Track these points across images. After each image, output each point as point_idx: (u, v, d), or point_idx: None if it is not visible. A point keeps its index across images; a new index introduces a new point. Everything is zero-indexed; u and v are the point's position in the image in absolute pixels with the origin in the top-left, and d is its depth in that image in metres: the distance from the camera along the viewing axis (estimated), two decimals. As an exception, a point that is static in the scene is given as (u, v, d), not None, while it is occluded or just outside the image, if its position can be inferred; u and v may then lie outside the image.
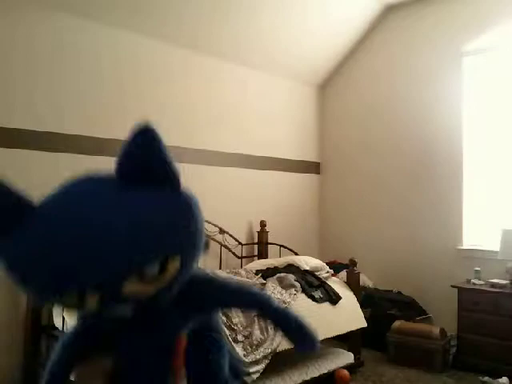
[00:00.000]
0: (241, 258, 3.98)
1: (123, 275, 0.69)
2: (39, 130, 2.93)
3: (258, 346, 2.57)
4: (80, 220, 0.66)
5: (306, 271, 3.30)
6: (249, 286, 0.88)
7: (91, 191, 0.73)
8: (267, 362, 2.57)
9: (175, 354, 0.82)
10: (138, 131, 0.75)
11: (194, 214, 0.78)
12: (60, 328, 2.54)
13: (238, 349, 2.46)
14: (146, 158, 0.72)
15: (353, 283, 3.39)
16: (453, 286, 3.51)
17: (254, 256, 4.13)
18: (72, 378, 0.87)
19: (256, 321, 2.64)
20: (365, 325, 3.30)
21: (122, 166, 0.73)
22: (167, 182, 0.76)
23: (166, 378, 0.85)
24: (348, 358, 3.28)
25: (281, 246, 4.05)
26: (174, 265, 0.72)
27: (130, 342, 0.84)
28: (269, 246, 4.12)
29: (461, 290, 3.47)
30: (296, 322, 0.86)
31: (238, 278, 3.25)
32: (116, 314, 0.71)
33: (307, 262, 3.43)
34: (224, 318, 2.49)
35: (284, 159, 4.52)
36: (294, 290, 3.00)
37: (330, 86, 4.88)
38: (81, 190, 0.74)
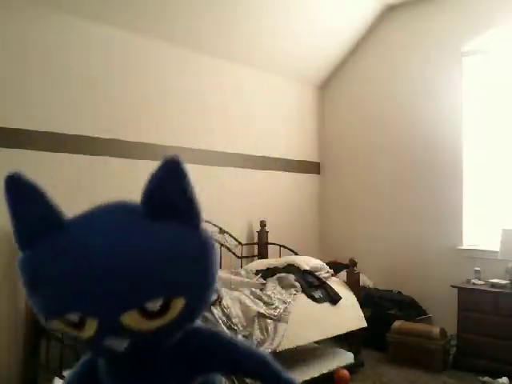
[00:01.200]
0: (241, 258, 3.98)
1: (123, 306, 0.68)
2: (32, 129, 2.92)
3: (258, 346, 2.57)
4: (99, 248, 0.67)
5: (306, 271, 3.30)
6: (257, 349, 0.81)
7: (115, 220, 0.73)
8: (267, 362, 2.57)
9: None
10: (166, 165, 0.73)
11: (210, 257, 0.75)
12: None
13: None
14: (171, 194, 0.71)
15: (353, 283, 3.39)
16: (453, 286, 3.51)
17: (254, 256, 4.13)
18: None
19: (256, 321, 2.64)
20: (365, 325, 3.30)
21: (147, 199, 0.73)
22: (189, 219, 0.74)
23: None
24: (348, 358, 3.28)
25: (281, 246, 4.05)
26: (177, 305, 0.70)
27: None
28: (269, 245, 4.12)
29: (461, 290, 3.47)
30: None
31: (237, 278, 3.26)
32: (110, 346, 0.70)
33: (307, 262, 3.43)
34: (224, 318, 2.49)
35: (284, 159, 4.52)
36: (293, 290, 3.00)
37: (330, 86, 4.88)
38: (106, 219, 0.75)
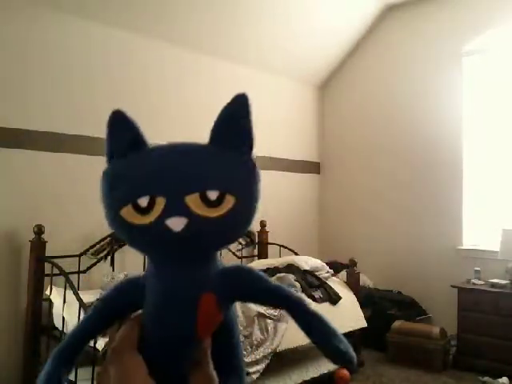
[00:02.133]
0: (241, 258, 3.98)
1: (188, 188, 0.80)
2: (32, 129, 2.92)
3: (258, 346, 2.57)
4: (171, 151, 0.80)
5: (306, 271, 3.30)
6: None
7: (189, 144, 0.87)
8: (267, 362, 2.57)
9: (200, 314, 0.84)
10: (237, 98, 0.86)
11: (257, 180, 0.88)
12: (60, 328, 2.54)
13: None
14: (239, 127, 0.84)
15: (353, 283, 3.39)
16: (453, 286, 3.51)
17: (254, 256, 4.13)
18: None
19: (256, 321, 2.64)
20: (365, 325, 3.30)
21: (216, 130, 0.85)
22: (247, 149, 0.87)
23: (190, 335, 0.86)
24: (348, 357, 3.28)
25: (281, 246, 4.05)
26: (230, 201, 0.82)
27: (161, 282, 0.86)
28: (269, 245, 4.12)
29: (461, 290, 3.47)
30: (332, 336, 0.84)
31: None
32: (170, 225, 0.80)
33: (307, 262, 3.43)
34: (224, 318, 2.49)
35: (284, 159, 4.52)
36: (293, 290, 3.00)
37: (330, 86, 4.89)
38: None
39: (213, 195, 0.81)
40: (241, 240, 3.10)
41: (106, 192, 0.88)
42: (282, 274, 3.18)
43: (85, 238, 3.07)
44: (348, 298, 3.26)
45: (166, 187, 0.84)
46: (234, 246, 3.92)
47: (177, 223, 0.82)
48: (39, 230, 2.69)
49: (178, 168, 0.85)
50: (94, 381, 2.17)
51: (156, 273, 0.87)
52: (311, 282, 3.17)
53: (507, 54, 3.72)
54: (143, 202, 0.79)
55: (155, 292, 0.85)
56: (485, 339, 3.29)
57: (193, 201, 0.82)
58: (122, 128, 0.93)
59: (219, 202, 0.80)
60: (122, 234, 0.84)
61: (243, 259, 3.99)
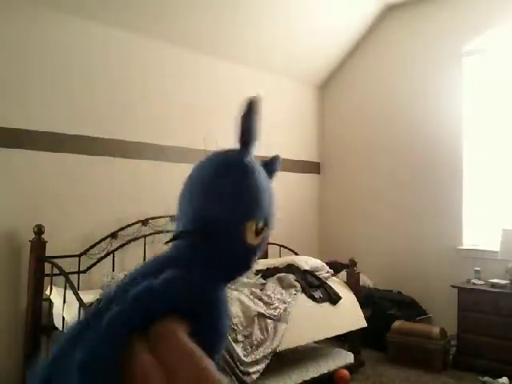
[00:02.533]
0: (241, 258, 3.98)
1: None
2: (32, 129, 2.92)
3: (258, 346, 2.57)
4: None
5: (306, 271, 3.30)
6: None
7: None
8: (267, 362, 2.57)
9: None
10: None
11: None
12: (60, 328, 2.54)
13: (238, 349, 2.46)
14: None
15: (353, 283, 3.39)
16: (453, 286, 3.51)
17: (254, 256, 4.12)
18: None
19: (256, 321, 2.64)
20: (365, 325, 3.30)
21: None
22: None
23: None
24: (348, 358, 3.28)
25: (281, 246, 4.05)
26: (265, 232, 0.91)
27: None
28: (269, 245, 4.12)
29: (461, 290, 3.47)
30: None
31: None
32: (255, 257, 0.88)
33: (307, 262, 3.43)
34: (224, 318, 2.49)
35: (284, 159, 4.46)
36: (294, 290, 3.00)
37: (330, 86, 4.89)
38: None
39: (260, 225, 0.88)
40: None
41: (252, 198, 0.93)
42: (282, 274, 3.18)
43: (85, 238, 3.07)
44: (348, 298, 3.26)
45: (272, 219, 0.93)
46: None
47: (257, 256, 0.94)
48: (39, 230, 2.69)
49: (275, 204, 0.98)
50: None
51: (220, 289, 0.89)
52: (311, 281, 3.17)
53: (507, 53, 3.72)
54: (261, 224, 0.87)
55: (224, 307, 0.88)
56: (485, 339, 3.29)
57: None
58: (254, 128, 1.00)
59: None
60: (231, 241, 0.87)
61: (243, 259, 3.98)
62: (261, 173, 0.92)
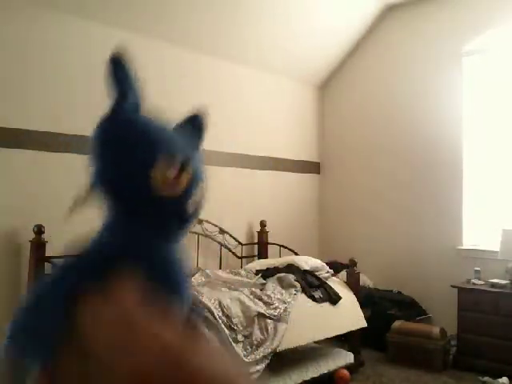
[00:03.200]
0: (241, 258, 3.98)
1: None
2: (32, 129, 2.92)
3: (258, 346, 2.57)
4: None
5: (306, 271, 3.30)
6: None
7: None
8: (267, 362, 2.57)
9: None
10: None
11: None
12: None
13: (238, 349, 2.46)
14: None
15: (353, 283, 3.39)
16: (453, 286, 3.51)
17: (254, 256, 4.13)
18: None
19: (256, 321, 2.64)
20: (365, 325, 3.30)
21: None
22: None
23: None
24: (348, 358, 3.28)
25: (281, 246, 4.05)
26: None
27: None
28: (269, 245, 4.12)
29: (461, 290, 3.47)
30: None
31: (237, 278, 3.26)
32: (196, 197, 0.89)
33: (307, 262, 3.43)
34: (224, 318, 2.49)
35: (284, 159, 4.52)
36: (294, 290, 3.00)
37: (330, 86, 4.89)
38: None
39: None
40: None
41: (149, 145, 0.91)
42: (282, 274, 3.18)
43: (85, 238, 3.07)
44: (348, 298, 3.26)
45: (186, 160, 0.93)
46: (232, 246, 3.93)
47: (199, 194, 0.95)
48: (39, 230, 2.69)
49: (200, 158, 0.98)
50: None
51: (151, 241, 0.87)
52: (311, 281, 3.17)
53: (507, 53, 3.72)
54: (173, 168, 0.86)
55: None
56: (485, 339, 3.29)
57: (199, 188, 0.92)
58: (129, 84, 0.99)
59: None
60: (141, 193, 0.85)
61: (243, 259, 3.99)
62: (148, 121, 0.92)
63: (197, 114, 1.01)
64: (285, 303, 2.84)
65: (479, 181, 3.88)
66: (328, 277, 3.40)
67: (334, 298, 3.12)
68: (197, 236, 3.66)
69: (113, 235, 0.81)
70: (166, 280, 0.83)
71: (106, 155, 0.89)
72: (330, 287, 3.20)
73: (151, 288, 0.71)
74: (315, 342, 3.28)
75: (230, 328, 2.48)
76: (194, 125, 1.00)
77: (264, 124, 4.35)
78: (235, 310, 2.58)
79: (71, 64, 3.10)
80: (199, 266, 3.60)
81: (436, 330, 3.43)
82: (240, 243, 3.99)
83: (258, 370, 2.52)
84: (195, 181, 0.86)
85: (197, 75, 3.81)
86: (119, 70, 0.93)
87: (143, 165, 0.85)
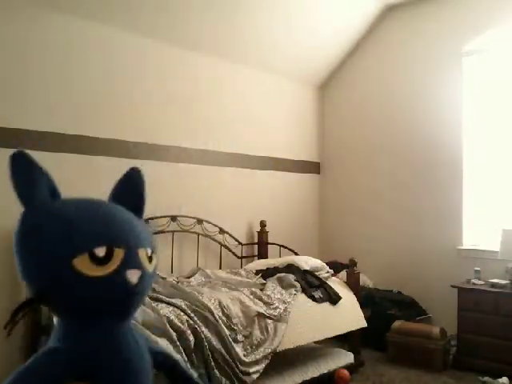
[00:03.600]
0: (241, 258, 3.98)
1: (140, 243, 0.89)
2: (32, 129, 2.92)
3: (258, 346, 2.57)
4: (112, 207, 1.02)
5: (306, 271, 3.30)
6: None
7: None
8: (267, 361, 2.57)
9: None
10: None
11: None
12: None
13: (238, 349, 2.46)
14: (140, 194, 1.15)
15: (353, 283, 3.39)
16: (453, 286, 3.50)
17: (254, 256, 4.13)
18: None
19: (256, 321, 2.64)
20: (365, 325, 3.30)
21: (120, 192, 1.13)
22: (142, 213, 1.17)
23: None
24: (348, 358, 3.28)
25: (281, 246, 4.05)
26: (155, 258, 1.04)
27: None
28: (269, 246, 4.12)
29: (461, 290, 3.47)
30: None
31: (237, 278, 3.26)
32: (129, 277, 0.87)
33: (307, 262, 3.43)
34: (224, 318, 2.49)
35: (284, 159, 4.52)
36: (293, 290, 3.00)
37: (330, 86, 4.88)
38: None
39: (150, 252, 0.92)
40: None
41: (58, 239, 0.88)
42: (282, 274, 3.18)
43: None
44: (348, 298, 3.26)
45: (125, 240, 0.88)
46: (232, 246, 3.93)
47: (135, 275, 0.89)
48: (39, 230, 2.69)
49: (133, 223, 0.96)
50: None
51: (98, 332, 0.86)
52: (311, 281, 3.17)
53: (507, 53, 3.72)
54: (100, 251, 0.81)
55: (114, 350, 0.84)
56: (485, 339, 3.29)
57: (143, 255, 0.91)
58: (36, 172, 1.03)
59: (151, 258, 0.94)
60: (68, 287, 0.83)
61: (243, 259, 3.99)
62: (59, 214, 0.88)
63: (133, 170, 1.04)
64: (285, 303, 2.84)
65: (479, 181, 3.88)
66: (328, 277, 3.40)
67: (334, 298, 3.12)
68: (197, 236, 3.66)
69: (65, 339, 0.82)
70: (122, 366, 0.84)
71: (28, 250, 0.89)
72: (330, 287, 3.19)
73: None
74: (315, 342, 3.28)
75: (230, 328, 2.48)
76: (132, 181, 1.03)
77: (264, 124, 4.35)
78: (235, 310, 2.58)
79: (71, 64, 3.10)
80: (199, 265, 3.60)
81: (436, 330, 3.43)
82: (240, 243, 3.99)
83: (257, 370, 2.51)
84: (130, 252, 0.83)
85: (196, 75, 3.80)
86: (18, 169, 0.96)
87: (63, 253, 0.83)
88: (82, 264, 0.80)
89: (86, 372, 0.82)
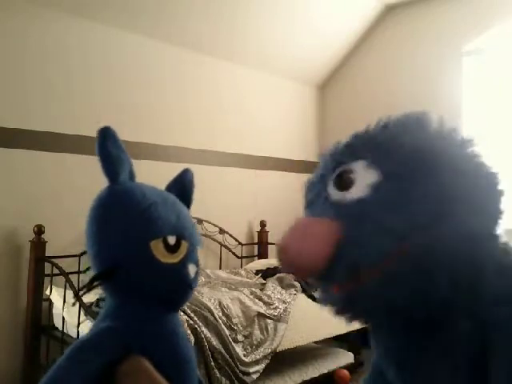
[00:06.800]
0: (241, 258, 3.98)
1: (197, 240, 0.97)
2: (32, 129, 2.92)
3: (258, 346, 2.57)
4: (175, 200, 1.06)
5: (306, 271, 3.29)
6: None
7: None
8: (267, 361, 2.57)
9: None
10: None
11: None
12: (60, 328, 2.54)
13: (238, 349, 2.46)
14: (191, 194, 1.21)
15: (353, 283, 3.39)
16: (453, 286, 3.50)
17: (254, 256, 4.13)
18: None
19: (256, 321, 2.64)
20: (365, 325, 3.29)
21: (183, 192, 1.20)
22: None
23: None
24: (348, 358, 3.28)
25: (281, 246, 4.05)
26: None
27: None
28: (269, 246, 4.12)
29: (461, 289, 3.46)
30: None
31: (237, 278, 3.26)
32: (189, 271, 0.91)
33: (307, 262, 3.42)
34: (224, 318, 2.49)
35: (284, 159, 4.52)
36: (293, 289, 3.00)
37: (330, 86, 4.88)
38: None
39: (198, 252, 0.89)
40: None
41: (141, 219, 0.91)
42: (282, 274, 3.18)
43: (85, 238, 3.06)
44: (348, 298, 3.25)
45: (189, 234, 0.93)
46: (232, 246, 3.93)
47: (193, 270, 0.93)
48: (39, 230, 2.69)
49: (192, 220, 1.02)
50: None
51: (152, 318, 0.88)
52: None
53: (507, 53, 3.72)
54: (172, 240, 0.85)
55: (166, 337, 0.86)
56: (485, 339, 3.29)
57: (196, 252, 0.94)
58: (123, 151, 1.07)
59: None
60: (141, 267, 0.86)
61: (243, 259, 3.99)
62: (143, 194, 0.91)
63: (185, 172, 1.08)
64: (285, 303, 2.84)
65: (479, 181, 3.87)
66: (328, 277, 3.39)
67: (334, 298, 3.12)
68: (197, 236, 3.65)
69: (119, 319, 0.82)
70: (172, 353, 0.84)
71: (109, 225, 0.90)
72: (330, 287, 3.19)
73: (157, 363, 0.74)
74: (315, 342, 3.28)
75: (230, 328, 2.48)
76: (184, 183, 1.06)
77: (264, 124, 4.35)
78: (235, 310, 2.58)
79: (71, 64, 3.10)
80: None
81: (436, 330, 3.42)
82: (240, 243, 3.99)
83: (257, 370, 2.52)
84: (193, 246, 0.88)
85: (196, 75, 3.81)
86: (109, 143, 0.98)
87: (143, 234, 0.86)
88: (157, 248, 0.84)
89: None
